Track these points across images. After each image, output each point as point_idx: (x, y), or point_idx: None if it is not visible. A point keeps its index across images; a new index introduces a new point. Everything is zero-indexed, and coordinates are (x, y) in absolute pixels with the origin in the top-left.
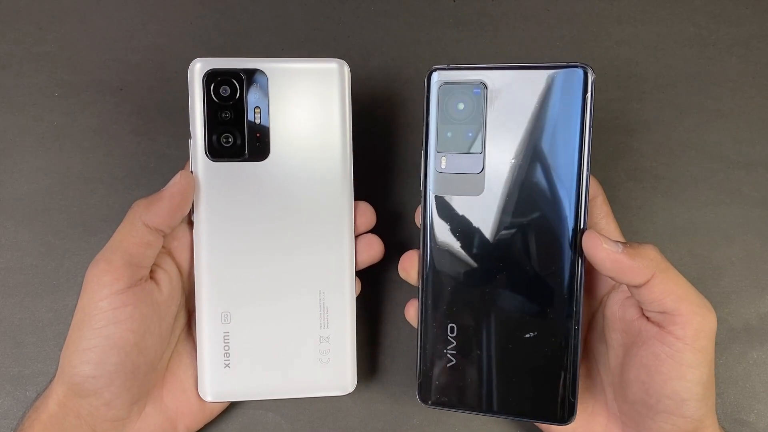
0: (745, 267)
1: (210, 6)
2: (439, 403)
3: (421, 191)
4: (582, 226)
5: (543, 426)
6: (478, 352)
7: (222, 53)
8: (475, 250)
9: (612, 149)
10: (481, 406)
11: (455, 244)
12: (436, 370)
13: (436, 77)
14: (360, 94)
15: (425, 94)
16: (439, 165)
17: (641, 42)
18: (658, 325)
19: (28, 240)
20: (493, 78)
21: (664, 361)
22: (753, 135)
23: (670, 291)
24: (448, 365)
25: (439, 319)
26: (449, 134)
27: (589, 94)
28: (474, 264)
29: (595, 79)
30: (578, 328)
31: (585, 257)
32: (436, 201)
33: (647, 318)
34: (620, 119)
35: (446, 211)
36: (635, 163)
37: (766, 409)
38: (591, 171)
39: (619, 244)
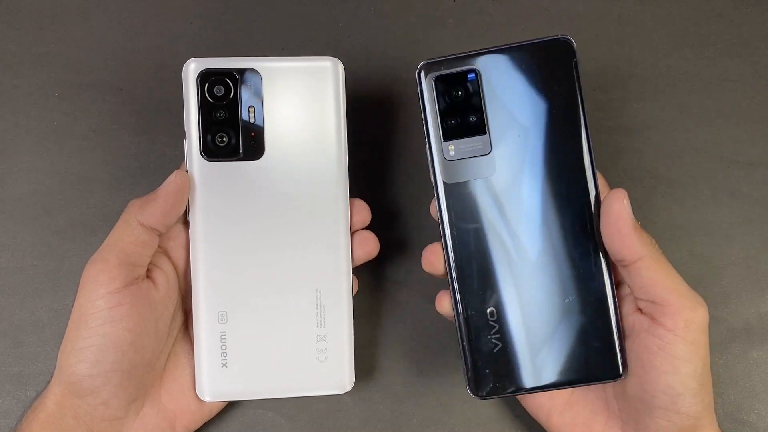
0: (745, 267)
1: (210, 6)
2: (494, 392)
3: (432, 184)
4: (594, 186)
5: (538, 404)
6: (522, 329)
7: (222, 53)
8: (498, 230)
9: (612, 149)
10: (538, 382)
11: (478, 229)
12: (485, 359)
13: (427, 71)
14: (360, 93)
15: (418, 89)
16: (447, 153)
17: (641, 42)
18: (650, 317)
19: (28, 240)
20: (483, 62)
21: (656, 354)
22: (753, 135)
23: (659, 279)
24: (495, 350)
25: (476, 307)
26: (452, 122)
27: (576, 60)
28: (500, 244)
29: (576, 46)
30: (612, 280)
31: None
32: (450, 189)
33: (640, 311)
34: (620, 119)
35: (463, 197)
36: (635, 163)
37: (766, 408)
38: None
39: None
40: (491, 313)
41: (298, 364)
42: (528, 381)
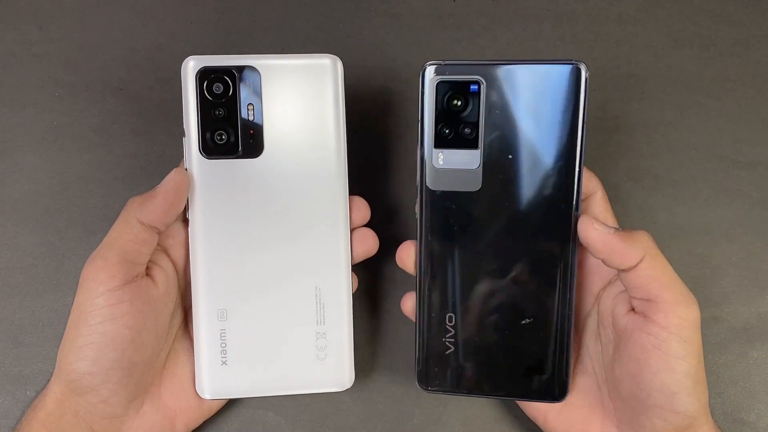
0: (745, 267)
1: (210, 6)
2: (439, 389)
3: (417, 185)
4: (576, 217)
5: (535, 406)
6: (476, 339)
7: (222, 53)
8: (471, 243)
9: (612, 149)
10: (480, 388)
11: (452, 238)
12: (435, 358)
13: (432, 73)
14: (360, 93)
15: (420, 89)
16: (436, 161)
17: (641, 42)
18: (643, 315)
19: (28, 240)
20: (489, 74)
21: (651, 353)
22: (753, 135)
23: (657, 277)
24: (446, 352)
25: (437, 309)
26: (446, 130)
27: (583, 90)
28: (471, 255)
29: (589, 75)
30: (571, 313)
31: (578, 246)
32: (433, 196)
33: (633, 311)
34: (620, 119)
35: (443, 206)
36: (635, 163)
37: (766, 408)
38: (592, 169)
39: (611, 227)
40: (450, 318)
41: (297, 361)
42: (473, 386)
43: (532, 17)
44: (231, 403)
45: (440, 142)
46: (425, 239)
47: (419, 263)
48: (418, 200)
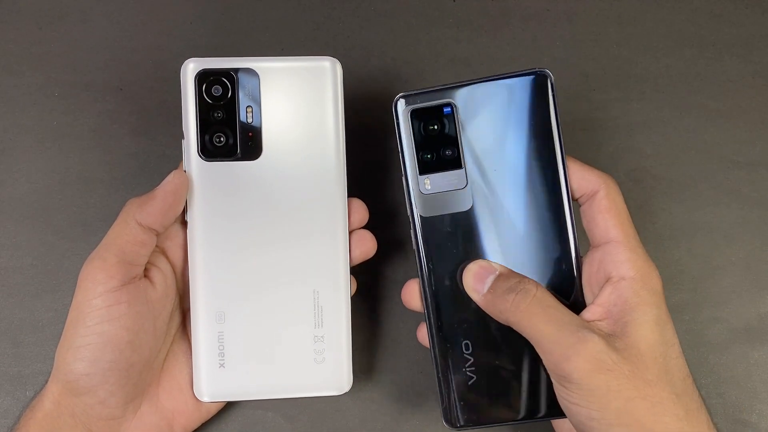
0: (745, 267)
1: (210, 6)
2: (468, 424)
3: (408, 216)
4: (570, 223)
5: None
6: (497, 363)
7: (222, 53)
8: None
9: (612, 149)
10: (510, 415)
11: (453, 262)
12: (459, 391)
13: (404, 104)
14: (360, 93)
15: (395, 121)
16: (423, 187)
17: (641, 42)
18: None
19: (28, 240)
20: (460, 96)
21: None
22: (753, 135)
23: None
24: (469, 383)
25: (452, 340)
26: (428, 156)
27: (551, 94)
28: None
29: (554, 80)
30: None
31: (579, 253)
32: (426, 222)
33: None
34: (620, 119)
35: (439, 230)
36: (635, 163)
37: (767, 409)
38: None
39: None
40: (466, 345)
41: (295, 364)
42: (503, 414)
43: (532, 17)
44: (231, 404)
45: (424, 168)
46: (426, 268)
47: (424, 294)
48: (412, 231)
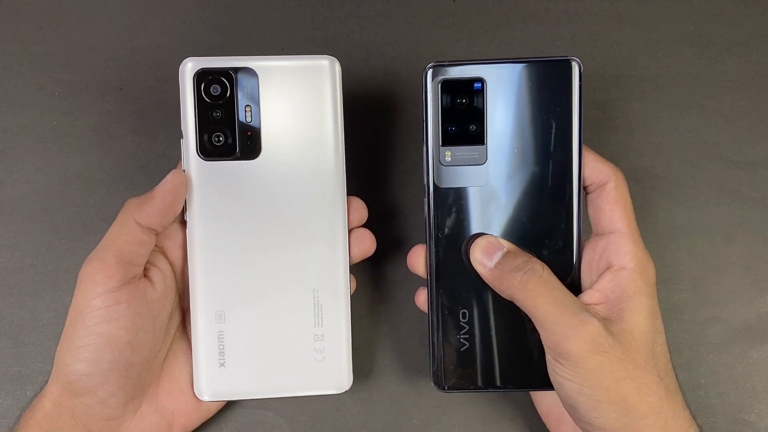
0: (745, 267)
1: (210, 6)
2: (455, 387)
3: (424, 184)
4: (577, 210)
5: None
6: (490, 334)
7: (222, 53)
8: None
9: (612, 149)
10: (495, 383)
11: (462, 234)
12: (451, 356)
13: (434, 74)
14: (360, 93)
15: (423, 90)
16: (443, 158)
17: (641, 42)
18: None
19: (28, 240)
20: (491, 72)
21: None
22: (753, 135)
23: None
24: (461, 350)
25: (450, 307)
26: (452, 128)
27: (577, 84)
28: None
29: (583, 69)
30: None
31: (581, 239)
32: (440, 193)
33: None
34: (620, 119)
35: (452, 202)
36: (635, 163)
37: (767, 408)
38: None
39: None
40: (463, 314)
41: (295, 363)
42: (489, 381)
43: (532, 17)
44: (231, 403)
45: (447, 140)
46: (435, 236)
47: (429, 259)
48: (426, 199)
